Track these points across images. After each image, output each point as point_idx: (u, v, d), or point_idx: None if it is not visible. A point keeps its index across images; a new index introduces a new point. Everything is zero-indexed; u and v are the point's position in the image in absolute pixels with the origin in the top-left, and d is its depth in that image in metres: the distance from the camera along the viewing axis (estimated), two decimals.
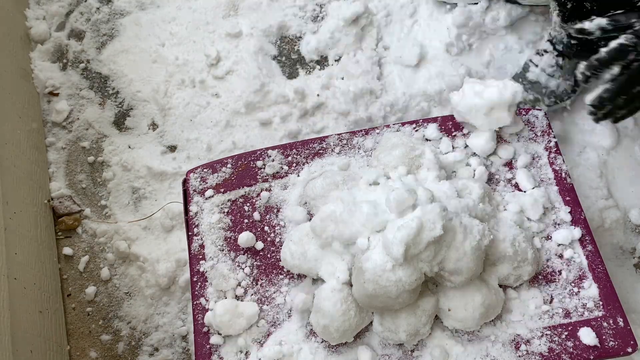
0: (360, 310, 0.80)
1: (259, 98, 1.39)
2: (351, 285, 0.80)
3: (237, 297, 0.87)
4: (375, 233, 0.78)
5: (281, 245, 0.90)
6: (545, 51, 1.26)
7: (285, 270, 0.89)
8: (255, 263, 0.90)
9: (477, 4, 1.38)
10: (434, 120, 0.98)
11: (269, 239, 0.92)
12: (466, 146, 0.95)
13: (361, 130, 0.99)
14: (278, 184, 0.95)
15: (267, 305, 0.87)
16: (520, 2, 1.38)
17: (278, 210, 0.93)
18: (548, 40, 1.26)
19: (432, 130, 0.96)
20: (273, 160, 0.97)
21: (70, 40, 1.52)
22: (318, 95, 1.38)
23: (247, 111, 1.39)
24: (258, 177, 0.96)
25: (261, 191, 0.95)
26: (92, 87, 1.47)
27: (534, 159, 0.94)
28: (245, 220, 0.93)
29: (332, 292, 0.80)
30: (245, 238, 0.90)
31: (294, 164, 0.97)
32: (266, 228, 0.92)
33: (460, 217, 0.77)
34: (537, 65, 1.26)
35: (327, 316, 0.79)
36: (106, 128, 1.42)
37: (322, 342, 0.83)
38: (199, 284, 0.89)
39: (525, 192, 0.90)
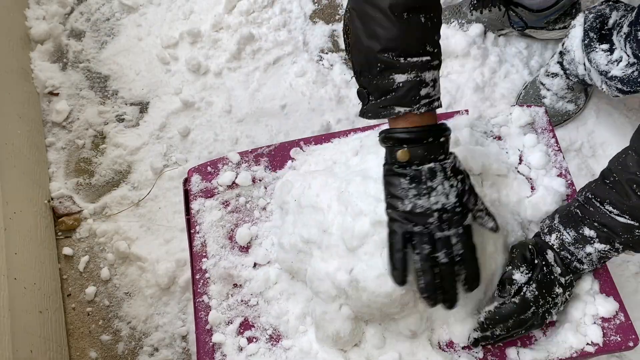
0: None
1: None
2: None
3: None
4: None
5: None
6: (555, 74, 1.28)
7: None
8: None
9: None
10: None
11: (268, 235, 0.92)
12: None
13: (363, 128, 0.99)
14: (279, 182, 0.95)
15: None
16: (537, 37, 1.39)
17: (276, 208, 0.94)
18: (558, 63, 1.27)
19: None
20: (274, 158, 0.97)
21: (70, 40, 1.52)
22: None
23: (249, 110, 1.40)
24: (259, 174, 0.96)
25: (263, 188, 0.95)
26: (92, 87, 1.47)
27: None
28: (247, 218, 0.93)
29: (335, 312, 0.80)
30: (242, 234, 0.91)
31: (295, 161, 0.97)
32: (267, 225, 0.93)
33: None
34: (549, 90, 1.30)
35: (334, 338, 0.80)
36: (106, 128, 1.42)
37: None
38: (202, 281, 0.89)
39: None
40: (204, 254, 0.91)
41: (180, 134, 1.38)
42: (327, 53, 1.46)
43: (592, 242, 0.77)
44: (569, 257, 0.79)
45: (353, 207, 0.78)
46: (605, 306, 0.82)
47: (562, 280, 0.79)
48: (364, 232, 0.76)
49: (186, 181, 0.98)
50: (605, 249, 0.77)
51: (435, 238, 0.69)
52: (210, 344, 0.85)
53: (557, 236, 0.80)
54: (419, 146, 0.69)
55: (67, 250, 1.30)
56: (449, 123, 0.96)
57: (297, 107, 1.40)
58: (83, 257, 1.29)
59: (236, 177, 0.96)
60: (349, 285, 0.77)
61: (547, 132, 0.96)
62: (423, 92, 0.69)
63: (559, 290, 0.79)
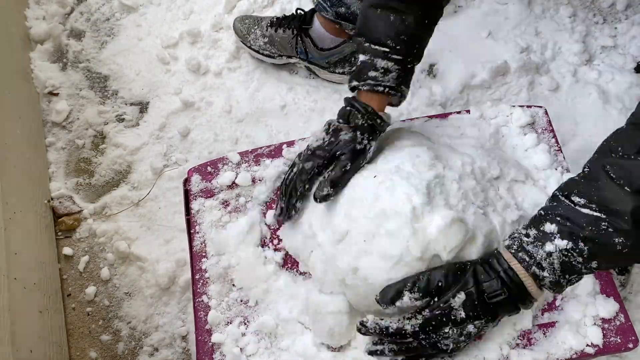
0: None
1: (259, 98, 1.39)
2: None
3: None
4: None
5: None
6: None
7: None
8: None
9: None
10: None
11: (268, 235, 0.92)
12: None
13: None
14: (279, 181, 0.96)
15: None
16: (320, 75, 1.40)
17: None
18: None
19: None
20: (274, 157, 0.97)
21: (70, 40, 1.52)
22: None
23: (249, 110, 1.40)
24: (259, 174, 0.96)
25: (264, 188, 0.95)
26: (92, 87, 1.47)
27: None
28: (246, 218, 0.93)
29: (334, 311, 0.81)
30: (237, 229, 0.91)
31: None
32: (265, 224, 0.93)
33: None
34: None
35: (329, 332, 0.81)
36: (106, 128, 1.42)
37: None
38: (201, 281, 0.89)
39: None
40: (204, 254, 0.91)
41: (180, 134, 1.39)
42: None
43: (552, 238, 0.70)
44: (527, 259, 0.72)
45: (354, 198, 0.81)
46: (606, 307, 0.82)
47: (468, 326, 0.72)
48: None
49: (186, 181, 0.98)
50: (567, 247, 0.69)
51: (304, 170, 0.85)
52: (210, 344, 0.85)
53: (515, 238, 0.74)
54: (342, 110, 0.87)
55: (67, 250, 1.30)
56: (452, 120, 0.97)
57: (297, 107, 1.40)
58: (83, 257, 1.30)
59: (236, 177, 0.96)
60: (348, 275, 0.78)
61: (548, 132, 0.96)
62: (371, 74, 0.83)
63: (450, 331, 0.72)
